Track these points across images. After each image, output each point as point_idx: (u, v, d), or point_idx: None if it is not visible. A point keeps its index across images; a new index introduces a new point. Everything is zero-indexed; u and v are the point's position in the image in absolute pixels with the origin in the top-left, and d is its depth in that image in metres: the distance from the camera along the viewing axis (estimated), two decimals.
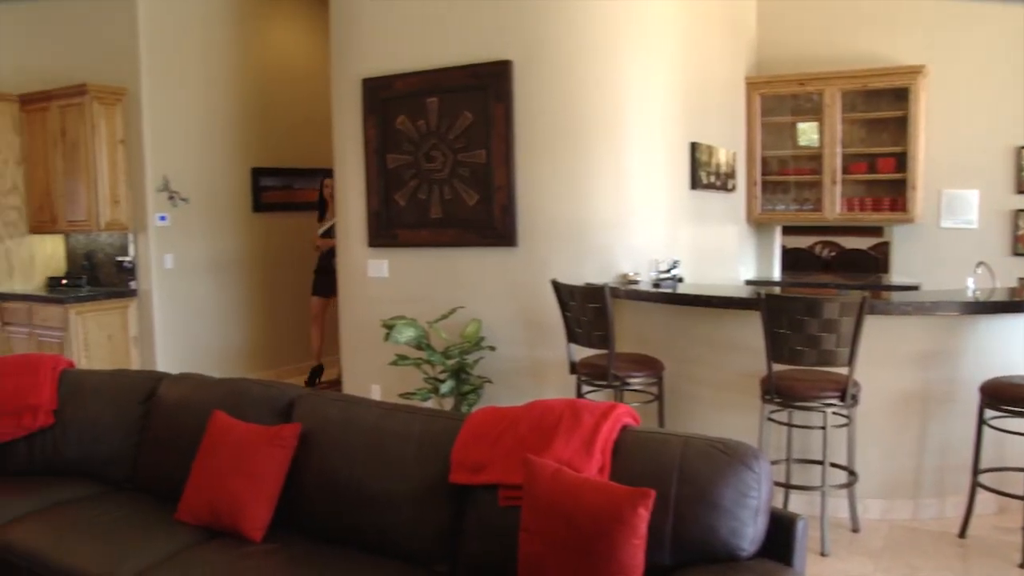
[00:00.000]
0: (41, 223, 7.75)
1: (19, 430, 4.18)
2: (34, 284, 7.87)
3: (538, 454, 2.72)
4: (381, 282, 6.18)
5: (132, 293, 7.48)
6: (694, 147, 6.06)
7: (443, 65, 5.76)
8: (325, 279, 7.97)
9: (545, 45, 5.47)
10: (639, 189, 5.58)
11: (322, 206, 8.22)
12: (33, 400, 4.18)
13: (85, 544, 3.32)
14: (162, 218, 7.46)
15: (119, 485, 3.99)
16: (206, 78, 7.84)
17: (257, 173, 8.26)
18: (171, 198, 7.49)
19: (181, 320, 7.62)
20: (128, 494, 3.88)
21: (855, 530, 4.47)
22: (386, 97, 6.00)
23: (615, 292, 4.97)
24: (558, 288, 5.00)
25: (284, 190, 8.55)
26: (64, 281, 7.80)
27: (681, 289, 5.10)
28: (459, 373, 5.57)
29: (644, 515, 2.40)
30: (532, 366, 5.68)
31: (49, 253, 8.01)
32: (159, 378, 4.16)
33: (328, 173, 8.69)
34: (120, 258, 7.60)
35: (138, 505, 3.69)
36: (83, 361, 7.01)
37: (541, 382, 5.62)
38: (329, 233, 7.84)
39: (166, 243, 7.49)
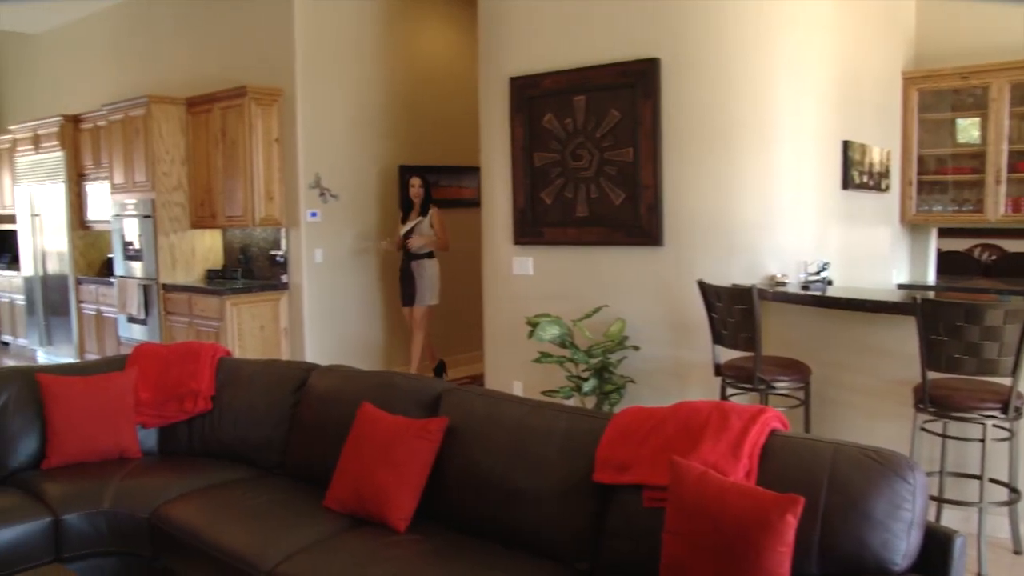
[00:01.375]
0: (201, 218, 8.15)
1: (181, 414, 4.43)
2: (194, 276, 8.28)
3: (684, 456, 2.71)
4: (525, 279, 6.24)
5: (284, 286, 7.78)
6: (846, 145, 5.88)
7: (591, 63, 5.77)
8: (408, 286, 7.83)
9: (694, 42, 5.40)
10: (788, 189, 5.45)
11: (407, 206, 8.00)
12: (194, 386, 4.42)
13: (237, 524, 3.48)
14: (313, 214, 7.72)
15: (270, 470, 4.17)
16: (357, 79, 8.07)
17: (405, 170, 8.44)
18: (322, 195, 7.74)
19: (329, 313, 7.87)
20: (278, 479, 4.04)
21: (1017, 552, 4.24)
22: (533, 95, 6.04)
23: (762, 294, 4.88)
24: (704, 289, 4.94)
25: (432, 187, 8.68)
26: (221, 274, 8.18)
27: (831, 292, 4.96)
28: (602, 372, 5.57)
29: (792, 522, 2.35)
30: (675, 367, 5.63)
31: (208, 247, 8.42)
32: (310, 368, 4.32)
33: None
34: (273, 252, 7.92)
35: (287, 490, 3.85)
36: (236, 350, 7.31)
37: (684, 383, 5.56)
38: (410, 234, 7.73)
39: (316, 238, 7.75)
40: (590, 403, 5.62)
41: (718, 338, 4.95)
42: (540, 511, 3.10)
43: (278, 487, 3.89)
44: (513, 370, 6.32)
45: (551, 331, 5.55)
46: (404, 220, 7.89)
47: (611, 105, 5.67)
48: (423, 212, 7.72)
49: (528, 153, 6.09)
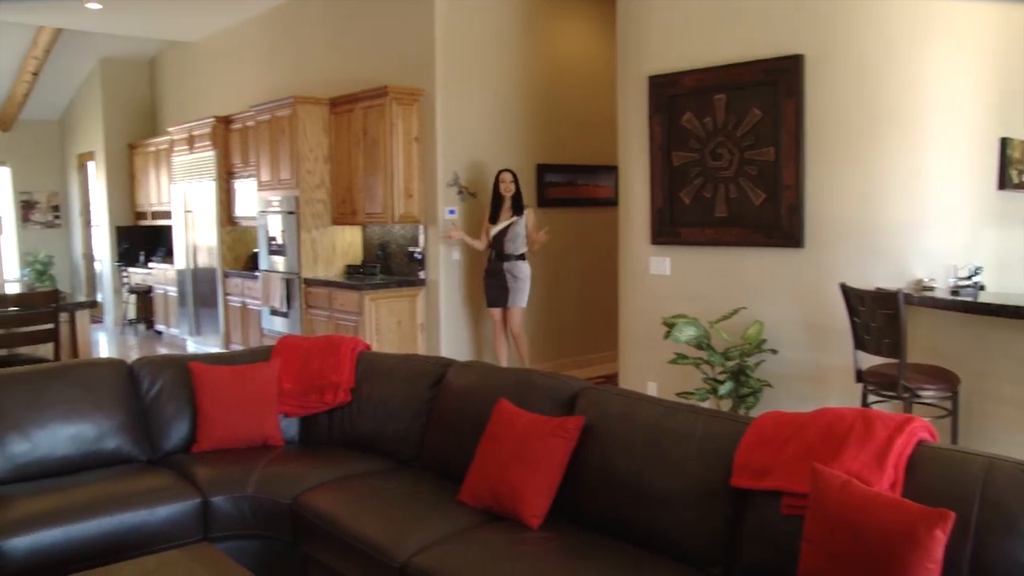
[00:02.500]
0: (342, 215, 8.37)
1: (322, 405, 4.56)
2: (334, 271, 8.51)
3: (826, 463, 2.63)
4: (662, 279, 6.19)
5: (421, 282, 7.92)
6: (1004, 143, 5.59)
7: (731, 61, 5.67)
8: (499, 288, 7.52)
9: (840, 38, 5.24)
10: (938, 189, 5.23)
11: (496, 204, 7.59)
12: (335, 378, 4.54)
13: (374, 514, 3.55)
14: (451, 211, 7.83)
15: (406, 462, 4.25)
16: (495, 78, 8.15)
17: (542, 169, 8.48)
18: (460, 193, 7.85)
19: (465, 310, 7.97)
20: (414, 472, 4.11)
21: None
22: (672, 94, 5.98)
23: (908, 298, 4.69)
24: (847, 292, 4.80)
25: (568, 186, 8.73)
26: (361, 269, 8.39)
27: (983, 297, 4.73)
28: (739, 375, 5.48)
29: (941, 538, 2.25)
30: (814, 371, 5.49)
31: (348, 243, 8.64)
32: (447, 364, 4.38)
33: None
34: (411, 249, 8.07)
35: (423, 483, 3.91)
36: (374, 344, 7.47)
37: (823, 389, 5.41)
38: (502, 235, 7.44)
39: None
40: (726, 406, 5.53)
41: (860, 343, 4.80)
42: (675, 514, 3.07)
43: (414, 479, 3.96)
44: (648, 371, 6.28)
45: (688, 332, 5.49)
46: (494, 218, 7.57)
47: (752, 103, 5.56)
48: (516, 211, 7.45)
49: (667, 152, 6.04)
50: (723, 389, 5.45)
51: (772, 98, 5.45)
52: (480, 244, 7.64)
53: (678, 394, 5.53)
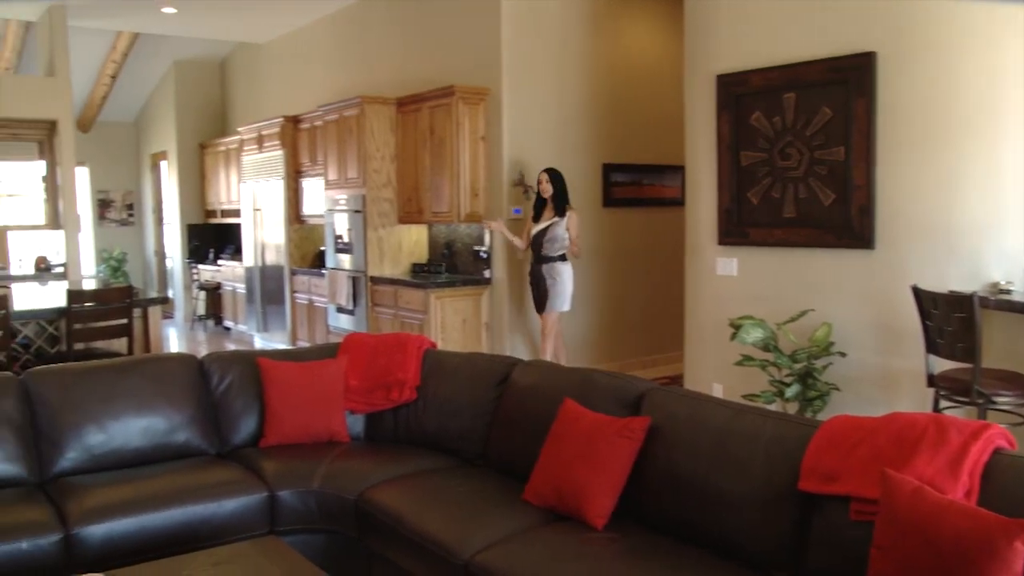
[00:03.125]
0: (408, 214, 8.43)
1: (387, 402, 4.59)
2: (400, 269, 8.58)
3: (897, 469, 2.57)
4: (729, 280, 6.12)
5: (486, 281, 7.94)
6: None
7: (801, 59, 5.58)
8: (539, 290, 7.32)
9: (914, 34, 5.13)
10: (1016, 189, 5.08)
11: (539, 204, 7.34)
12: (401, 375, 4.57)
13: (438, 512, 3.57)
14: (516, 211, 7.84)
15: (470, 460, 4.26)
16: (561, 77, 8.13)
17: (608, 169, 8.45)
18: (525, 192, 7.85)
19: (530, 308, 7.97)
20: (478, 469, 4.13)
21: None
22: (740, 93, 5.92)
23: (984, 302, 4.57)
24: (919, 295, 4.70)
25: (633, 186, 8.69)
26: (426, 268, 8.44)
27: None
28: (806, 378, 5.39)
29: (1021, 550, 2.17)
30: (884, 375, 5.38)
31: (414, 241, 8.70)
32: (513, 363, 4.38)
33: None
34: (476, 248, 8.09)
35: (487, 481, 3.92)
36: (439, 343, 7.50)
37: (893, 393, 5.30)
38: (542, 235, 7.18)
39: (519, 235, 7.86)
40: (792, 409, 5.45)
41: (932, 347, 4.69)
42: (741, 517, 3.03)
43: (478, 478, 3.97)
44: (713, 372, 6.22)
45: (755, 334, 5.43)
46: (536, 219, 7.33)
47: (823, 102, 5.47)
48: (559, 212, 7.17)
49: (734, 152, 5.97)
50: (790, 392, 5.37)
51: (843, 97, 5.36)
52: (520, 242, 7.49)
53: (744, 396, 5.47)
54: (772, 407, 5.25)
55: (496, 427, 4.18)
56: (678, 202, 8.28)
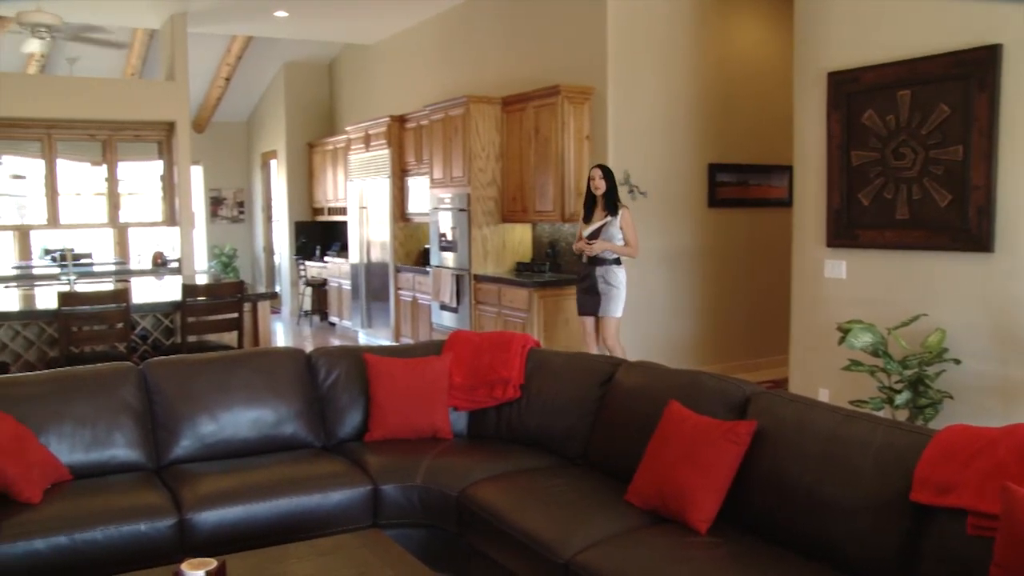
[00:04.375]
0: (513, 212, 8.46)
1: (491, 400, 4.62)
2: (504, 268, 8.62)
3: (1020, 483, 2.47)
4: (837, 283, 5.98)
5: None
6: None
7: (918, 54, 5.39)
8: (585, 293, 6.90)
9: None
10: None
11: (589, 202, 6.93)
12: (505, 374, 4.59)
13: (539, 510, 3.57)
14: None
15: (572, 460, 4.25)
16: (667, 76, 8.06)
17: (713, 169, 8.34)
18: (631, 191, 7.80)
19: (633, 308, 7.89)
20: (580, 469, 4.11)
21: None
22: (852, 91, 5.76)
23: None
24: None
25: (739, 186, 8.55)
26: (530, 267, 8.45)
27: None
28: (917, 385, 5.22)
29: None
30: (1002, 385, 5.17)
31: (518, 240, 8.73)
32: (617, 363, 4.36)
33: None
34: None
35: (589, 481, 3.90)
36: (542, 341, 7.51)
37: (1012, 403, 5.09)
38: (595, 237, 6.75)
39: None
40: (902, 416, 5.28)
41: None
42: (848, 526, 2.95)
43: (579, 477, 3.96)
44: (820, 376, 6.08)
45: (864, 338, 5.28)
46: (587, 219, 6.92)
47: (940, 99, 5.28)
48: (611, 211, 6.73)
49: (845, 152, 5.82)
50: (900, 399, 5.21)
51: (962, 93, 5.16)
52: (630, 250, 6.91)
53: (851, 402, 5.32)
54: (881, 414, 5.11)
55: (599, 427, 4.16)
56: (785, 203, 8.12)
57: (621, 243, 6.72)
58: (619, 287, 6.77)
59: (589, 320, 6.92)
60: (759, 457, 3.29)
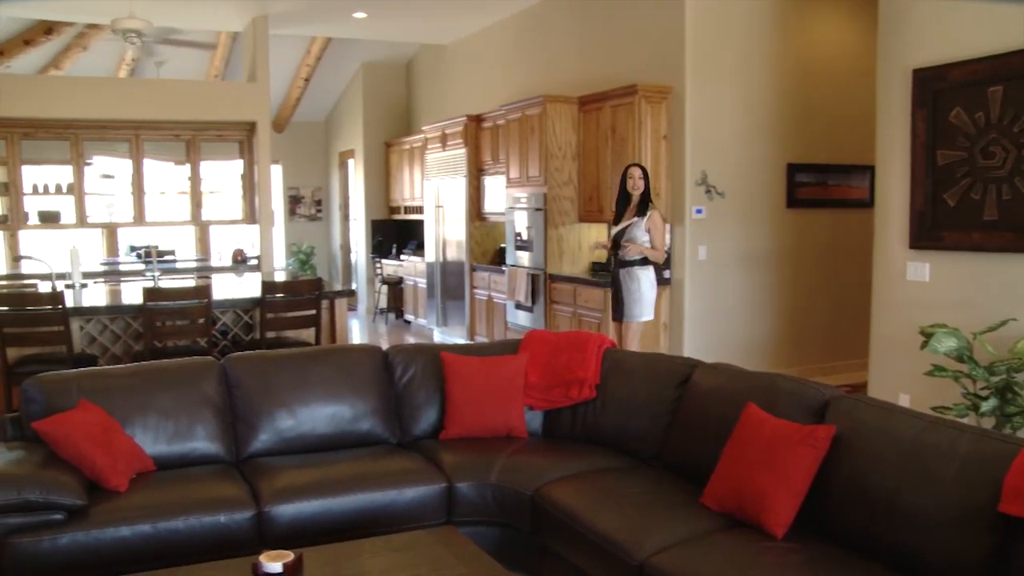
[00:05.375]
0: (589, 212, 8.43)
1: (566, 400, 4.62)
2: (579, 268, 8.60)
3: None
4: (920, 286, 5.83)
5: (666, 281, 7.84)
6: None
7: (1011, 48, 5.22)
8: (617, 297, 6.70)
9: None
10: None
11: (622, 201, 6.74)
12: (581, 374, 4.58)
13: (613, 511, 3.57)
14: (698, 211, 7.72)
15: (646, 461, 4.24)
16: (746, 75, 7.95)
17: (792, 169, 8.21)
18: (708, 192, 7.72)
19: (710, 310, 7.84)
20: (654, 470, 4.10)
21: None
22: (939, 88, 5.61)
23: None
24: None
25: (819, 186, 8.39)
26: (605, 267, 8.39)
27: None
28: (1005, 392, 5.07)
29: None
30: None
31: (594, 240, 8.68)
32: (694, 365, 4.32)
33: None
34: None
35: (663, 482, 3.89)
36: (616, 342, 7.48)
37: None
38: (621, 237, 6.60)
39: (701, 235, 7.74)
40: (987, 424, 5.13)
41: None
42: (930, 536, 2.88)
43: (654, 479, 3.95)
44: (900, 381, 5.94)
45: (948, 343, 5.14)
46: (618, 218, 6.75)
47: None
48: (641, 211, 6.56)
49: (930, 151, 5.67)
50: (986, 406, 5.06)
51: None
52: (656, 254, 6.69)
53: (934, 408, 5.18)
54: (965, 421, 4.97)
55: (675, 428, 4.14)
56: (866, 203, 7.97)
57: (647, 244, 6.54)
58: (643, 290, 6.58)
59: (615, 325, 6.76)
60: (838, 462, 3.23)
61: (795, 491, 3.23)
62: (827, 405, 3.48)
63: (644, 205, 6.56)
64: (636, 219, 6.54)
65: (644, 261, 6.59)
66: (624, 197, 6.70)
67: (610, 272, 6.85)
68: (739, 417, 3.58)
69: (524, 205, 8.84)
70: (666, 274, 7.83)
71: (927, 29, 5.75)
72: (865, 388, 6.54)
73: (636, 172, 6.61)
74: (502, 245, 9.88)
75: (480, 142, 10.19)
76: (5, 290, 6.86)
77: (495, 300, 9.70)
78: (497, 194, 9.73)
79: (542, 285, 8.52)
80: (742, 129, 7.95)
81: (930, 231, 5.73)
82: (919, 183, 5.76)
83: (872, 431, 3.22)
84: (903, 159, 5.89)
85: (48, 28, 11.35)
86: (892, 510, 3.01)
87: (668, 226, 7.03)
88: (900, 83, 5.90)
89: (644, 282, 6.57)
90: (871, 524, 3.08)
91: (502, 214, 9.52)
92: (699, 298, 7.80)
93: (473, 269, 10.27)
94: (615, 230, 6.69)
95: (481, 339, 9.85)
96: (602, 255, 8.56)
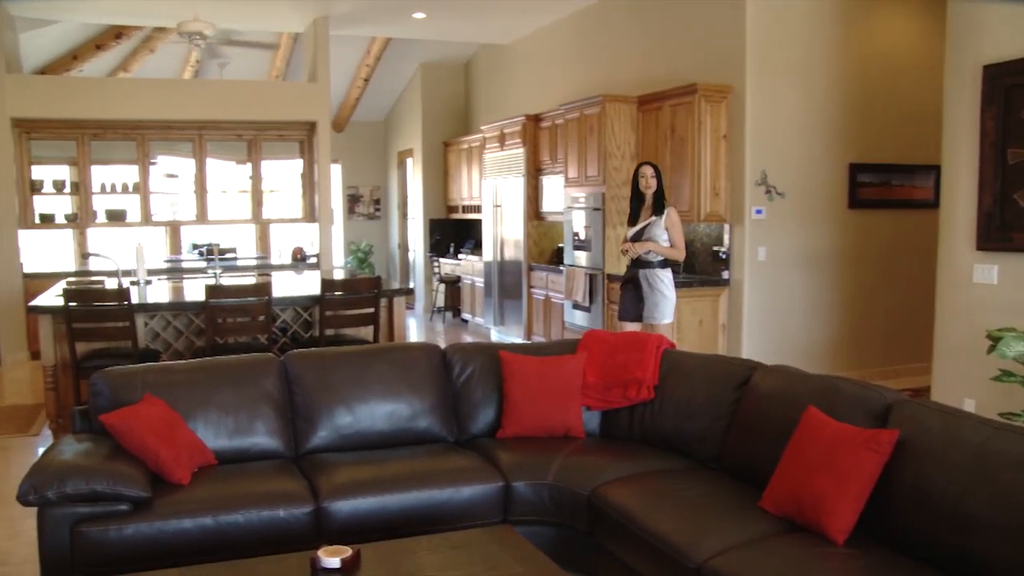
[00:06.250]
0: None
1: (624, 400, 4.60)
2: None
3: None
4: (988, 289, 5.71)
5: (725, 282, 7.79)
6: None
7: None
8: (633, 299, 6.58)
9: None
10: None
11: (636, 201, 6.64)
12: (639, 375, 4.56)
13: (671, 513, 3.54)
14: (758, 211, 7.64)
15: (704, 462, 4.20)
16: (807, 74, 7.85)
17: (854, 169, 8.08)
18: (768, 192, 7.64)
19: (769, 311, 7.76)
20: (712, 472, 4.06)
21: None
22: (1011, 84, 5.48)
23: None
24: None
25: (882, 186, 8.26)
26: None
27: None
28: None
29: None
30: None
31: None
32: (754, 367, 4.28)
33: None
34: (716, 248, 7.95)
35: (721, 485, 3.85)
36: (675, 343, 7.41)
37: None
38: (639, 237, 6.50)
39: (760, 236, 7.67)
40: None
41: None
42: (996, 545, 2.80)
43: (712, 481, 3.91)
44: (965, 386, 5.82)
45: (1017, 347, 5.02)
46: (633, 219, 6.65)
47: None
48: (657, 210, 6.47)
49: (1000, 150, 5.55)
50: None
51: None
52: (676, 253, 6.58)
53: (1000, 414, 5.07)
54: None
55: (733, 431, 4.09)
56: (930, 204, 7.81)
57: (666, 244, 6.46)
58: (665, 291, 6.50)
59: (630, 326, 6.60)
60: (901, 468, 3.17)
61: (856, 496, 3.17)
62: (890, 409, 3.41)
63: (660, 204, 6.49)
64: (654, 218, 6.45)
65: (664, 262, 6.53)
66: (637, 196, 6.62)
67: (625, 273, 6.76)
68: (799, 420, 3.52)
69: (582, 205, 8.82)
70: (724, 274, 7.76)
71: (998, 24, 5.62)
72: (928, 392, 6.43)
73: (648, 171, 6.52)
74: (560, 245, 9.87)
75: (538, 141, 10.19)
76: (74, 287, 7.00)
77: (552, 300, 9.69)
78: (555, 194, 9.72)
79: (600, 285, 8.50)
80: (803, 128, 7.85)
81: (999, 232, 5.60)
82: (987, 183, 5.64)
83: (937, 436, 3.15)
84: (971, 158, 5.77)
85: (118, 32, 11.62)
86: (956, 517, 2.94)
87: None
88: (969, 79, 5.78)
89: (665, 283, 6.51)
90: (934, 531, 3.01)
91: (560, 214, 9.51)
92: (758, 299, 7.72)
93: (531, 268, 10.27)
94: (632, 231, 6.61)
95: (538, 338, 9.85)
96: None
